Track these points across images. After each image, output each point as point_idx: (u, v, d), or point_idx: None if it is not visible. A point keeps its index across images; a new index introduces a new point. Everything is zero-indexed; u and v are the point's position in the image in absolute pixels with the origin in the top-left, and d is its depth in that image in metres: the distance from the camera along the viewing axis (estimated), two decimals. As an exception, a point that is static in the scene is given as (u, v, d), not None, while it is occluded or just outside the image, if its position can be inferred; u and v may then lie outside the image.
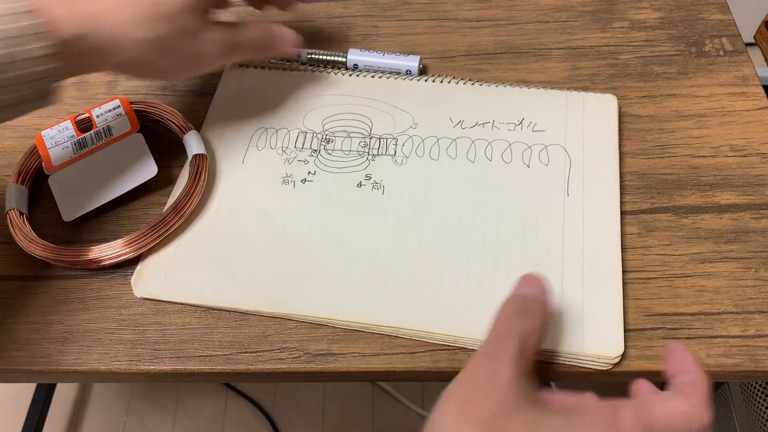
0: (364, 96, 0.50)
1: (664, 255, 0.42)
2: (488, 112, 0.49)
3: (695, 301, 0.40)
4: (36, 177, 0.47)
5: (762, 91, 0.50)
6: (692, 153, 0.47)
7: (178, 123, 0.47)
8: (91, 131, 0.46)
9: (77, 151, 0.46)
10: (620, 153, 0.47)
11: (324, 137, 0.48)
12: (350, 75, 0.52)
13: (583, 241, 0.42)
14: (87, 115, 0.46)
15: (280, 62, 0.53)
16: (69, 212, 0.44)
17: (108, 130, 0.46)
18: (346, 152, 0.47)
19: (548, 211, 0.44)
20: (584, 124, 0.48)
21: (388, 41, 0.55)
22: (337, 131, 0.49)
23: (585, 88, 0.51)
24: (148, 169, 0.46)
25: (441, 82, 0.51)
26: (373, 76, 0.52)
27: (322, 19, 0.57)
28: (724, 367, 0.38)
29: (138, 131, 0.47)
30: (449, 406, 0.30)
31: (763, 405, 0.75)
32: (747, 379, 0.40)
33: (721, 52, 0.53)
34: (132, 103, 0.48)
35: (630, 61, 0.53)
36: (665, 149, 0.47)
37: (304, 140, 0.48)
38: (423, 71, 0.53)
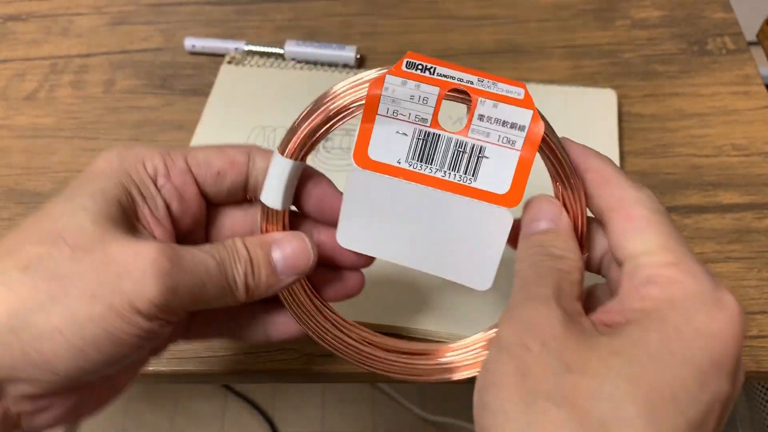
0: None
1: (666, 255, 0.42)
2: (489, 111, 0.48)
3: (698, 302, 0.40)
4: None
5: (764, 90, 0.50)
6: (695, 152, 0.47)
7: None
8: (456, 137, 0.26)
9: (415, 157, 0.27)
10: (622, 152, 0.46)
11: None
12: (347, 73, 0.52)
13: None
14: (466, 93, 0.26)
15: (277, 61, 0.53)
16: (347, 236, 0.29)
17: (480, 151, 0.27)
18: (346, 150, 0.47)
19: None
20: (584, 120, 0.47)
21: (388, 40, 0.55)
22: (336, 129, 0.48)
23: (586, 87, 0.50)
24: (484, 278, 0.29)
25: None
26: (372, 75, 0.51)
27: (322, 18, 0.57)
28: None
29: (515, 205, 0.27)
30: (502, 396, 0.22)
31: (766, 407, 0.75)
32: (749, 380, 0.40)
33: (724, 51, 0.53)
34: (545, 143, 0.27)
35: (632, 59, 0.52)
36: (667, 149, 0.47)
37: (303, 139, 0.48)
38: (360, 62, 0.53)
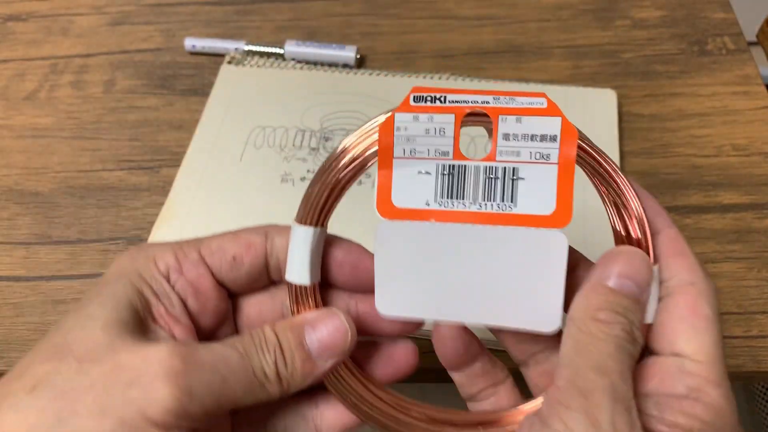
0: (363, 94, 0.50)
1: (666, 255, 0.42)
2: (489, 111, 0.48)
3: (698, 302, 0.40)
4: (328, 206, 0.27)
5: (764, 90, 0.50)
6: (695, 152, 0.47)
7: None
8: (485, 164, 0.24)
9: (444, 195, 0.25)
10: (622, 152, 0.46)
11: (323, 135, 0.48)
12: (347, 73, 0.52)
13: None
14: (485, 114, 0.24)
15: (277, 61, 0.53)
16: (387, 302, 0.26)
17: (513, 173, 0.24)
18: (346, 151, 0.47)
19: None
20: (584, 120, 0.47)
21: (388, 40, 0.55)
22: (336, 129, 0.48)
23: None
24: (549, 317, 0.25)
25: (440, 79, 0.51)
26: (371, 74, 0.51)
27: (322, 18, 0.57)
28: (726, 368, 0.37)
29: (566, 224, 0.24)
30: None
31: (766, 407, 0.74)
32: (749, 381, 0.40)
33: (724, 51, 0.53)
34: (583, 151, 0.25)
35: (632, 59, 0.52)
36: (668, 149, 0.47)
37: (303, 138, 0.48)
38: (360, 62, 0.53)
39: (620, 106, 0.49)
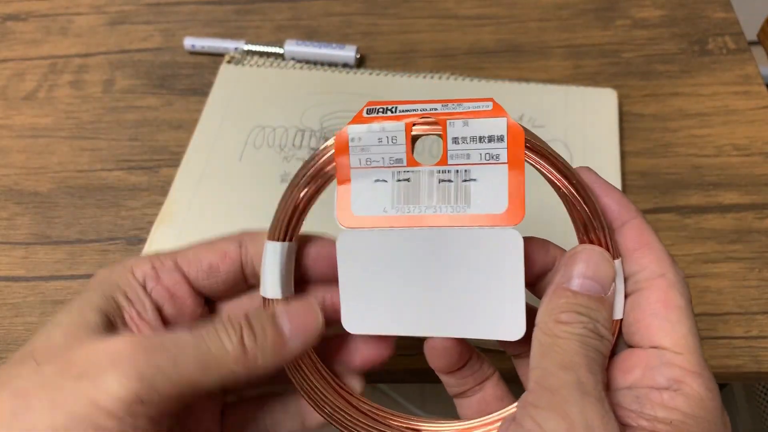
0: (363, 93, 0.50)
1: (666, 255, 0.42)
2: (489, 110, 0.48)
3: (698, 302, 0.40)
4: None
5: (765, 89, 0.50)
6: (695, 152, 0.47)
7: None
8: (437, 168, 0.25)
9: (400, 201, 0.26)
10: (623, 152, 0.46)
11: (323, 135, 0.48)
12: (347, 73, 0.52)
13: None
14: (433, 120, 0.25)
15: (277, 60, 0.53)
16: (354, 318, 0.27)
17: (465, 175, 0.25)
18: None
19: (550, 207, 0.43)
20: (584, 119, 0.47)
21: (388, 40, 0.55)
22: (336, 129, 0.48)
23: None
24: (513, 323, 0.25)
25: (440, 78, 0.50)
26: (371, 74, 0.51)
27: (322, 18, 0.57)
28: (727, 369, 0.37)
29: (519, 221, 0.24)
30: None
31: (766, 407, 0.74)
32: (750, 381, 0.40)
33: (724, 51, 0.52)
34: (532, 151, 0.25)
35: (633, 59, 0.52)
36: (668, 148, 0.47)
37: (303, 138, 0.48)
38: (360, 62, 0.53)
39: (620, 105, 0.49)
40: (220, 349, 0.24)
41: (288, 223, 0.27)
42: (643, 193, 0.44)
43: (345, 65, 0.53)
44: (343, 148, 0.25)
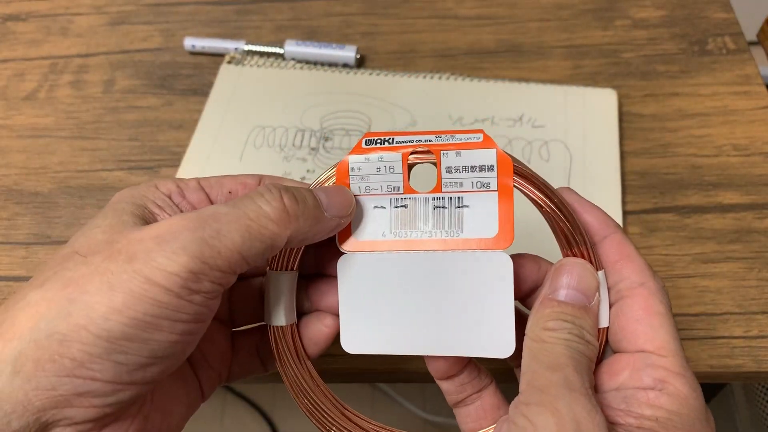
0: (362, 93, 0.50)
1: (666, 255, 0.42)
2: (487, 108, 0.48)
3: (698, 302, 0.40)
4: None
5: (765, 90, 0.50)
6: (695, 152, 0.47)
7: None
8: (432, 195, 0.27)
9: (398, 226, 0.28)
10: (622, 152, 0.46)
11: (322, 135, 0.48)
12: (347, 73, 0.52)
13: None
14: (428, 150, 0.27)
15: (277, 60, 0.53)
16: (352, 338, 0.28)
17: (459, 202, 0.27)
18: (345, 150, 0.47)
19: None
20: (584, 119, 0.47)
21: (388, 40, 0.55)
22: (336, 129, 0.48)
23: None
24: (503, 341, 0.27)
25: (440, 78, 0.51)
26: (371, 74, 0.51)
27: (322, 18, 0.57)
28: (726, 369, 0.37)
29: (508, 245, 0.27)
30: None
31: (766, 407, 0.74)
32: (749, 381, 0.40)
33: (724, 51, 0.53)
34: (519, 176, 0.27)
35: (632, 59, 0.52)
36: (668, 149, 0.47)
37: (302, 138, 0.48)
38: (360, 62, 0.53)
39: (620, 105, 0.49)
40: (261, 212, 0.25)
41: (290, 254, 0.28)
42: (642, 193, 0.45)
43: (345, 65, 0.53)
44: (344, 176, 0.27)
